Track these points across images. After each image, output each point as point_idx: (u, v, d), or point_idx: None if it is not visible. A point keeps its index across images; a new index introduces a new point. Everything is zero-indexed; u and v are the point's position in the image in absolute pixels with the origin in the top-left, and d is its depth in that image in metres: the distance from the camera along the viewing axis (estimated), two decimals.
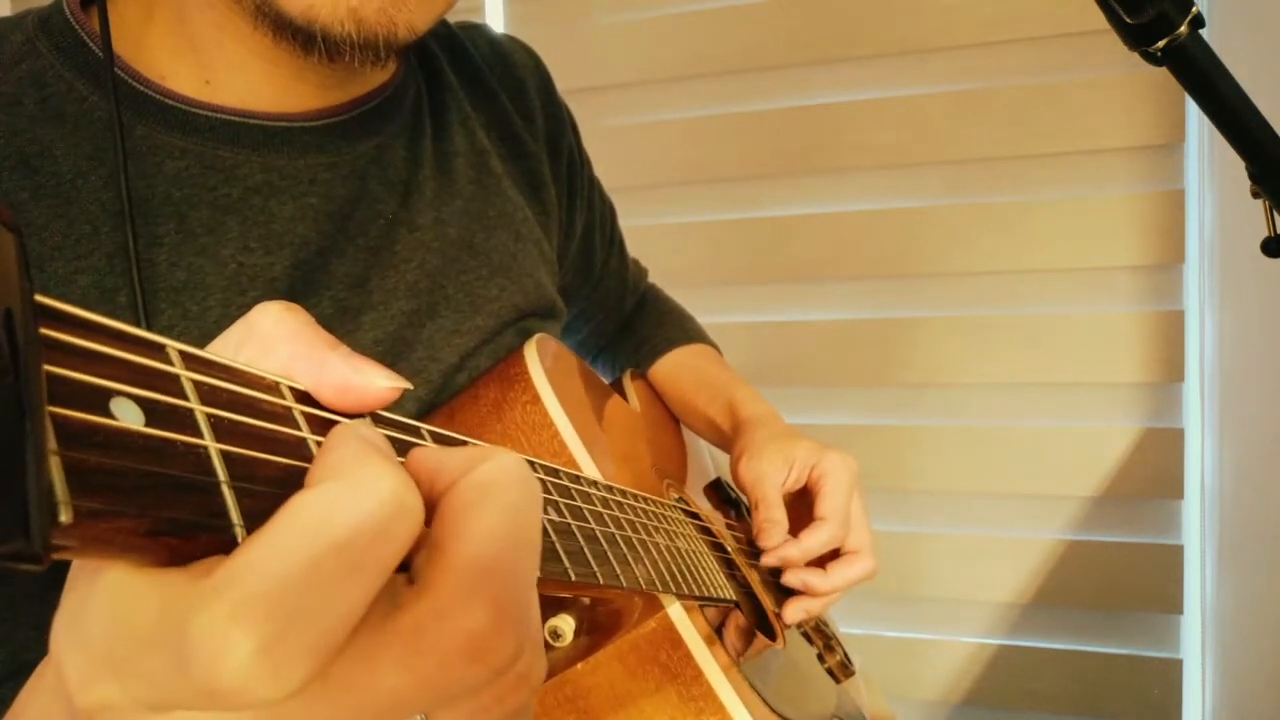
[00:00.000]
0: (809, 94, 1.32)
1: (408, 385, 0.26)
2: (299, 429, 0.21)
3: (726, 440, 0.81)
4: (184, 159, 0.53)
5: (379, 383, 0.25)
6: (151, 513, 0.15)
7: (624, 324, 0.96)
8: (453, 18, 0.67)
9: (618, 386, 0.85)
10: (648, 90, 1.38)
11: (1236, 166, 0.56)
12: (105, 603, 0.18)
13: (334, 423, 0.23)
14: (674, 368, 0.90)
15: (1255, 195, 0.58)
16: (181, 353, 0.18)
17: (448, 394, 0.62)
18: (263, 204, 0.55)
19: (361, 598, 0.19)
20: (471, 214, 0.66)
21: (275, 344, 0.25)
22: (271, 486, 0.19)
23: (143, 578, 0.18)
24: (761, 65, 1.33)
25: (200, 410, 0.18)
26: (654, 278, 1.01)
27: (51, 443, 0.14)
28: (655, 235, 1.39)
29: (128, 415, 0.16)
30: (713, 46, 1.34)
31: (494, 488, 0.22)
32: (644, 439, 0.76)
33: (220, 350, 0.23)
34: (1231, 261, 1.16)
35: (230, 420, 0.19)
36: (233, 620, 0.17)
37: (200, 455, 0.17)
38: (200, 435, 0.17)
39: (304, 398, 0.22)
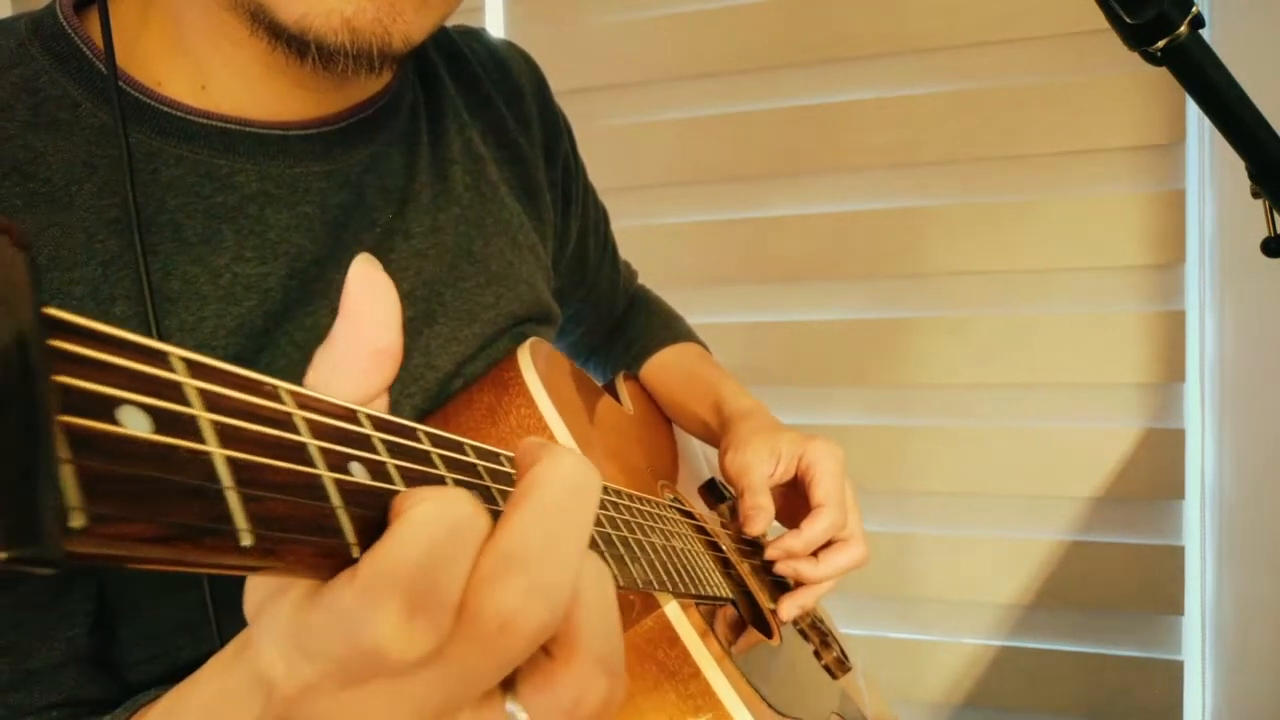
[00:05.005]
0: (809, 94, 1.33)
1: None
2: (299, 434, 0.21)
3: (715, 437, 0.81)
4: (179, 166, 0.53)
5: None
6: (159, 518, 0.16)
7: (615, 326, 0.96)
8: (453, 19, 0.67)
9: (610, 388, 0.86)
10: (647, 90, 1.39)
11: (1236, 166, 0.56)
12: (289, 613, 0.24)
13: (332, 426, 0.24)
14: (663, 367, 0.90)
15: (1255, 195, 0.58)
16: (185, 360, 0.19)
17: (443, 401, 0.62)
18: (258, 213, 0.55)
19: (462, 578, 0.24)
20: (469, 221, 0.66)
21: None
22: (274, 491, 0.19)
23: (310, 590, 0.24)
24: (761, 65, 1.34)
25: (204, 417, 0.18)
26: (652, 278, 1.01)
27: (63, 451, 0.14)
28: (654, 235, 1.39)
29: (135, 422, 0.16)
30: (712, 46, 1.35)
31: (535, 488, 0.26)
32: (637, 440, 0.77)
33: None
34: (1231, 261, 1.16)
35: (233, 426, 0.19)
36: (380, 597, 0.22)
37: (205, 461, 0.18)
38: (204, 441, 0.18)
39: (303, 403, 0.23)
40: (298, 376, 0.31)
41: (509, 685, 0.27)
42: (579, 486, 0.27)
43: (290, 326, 0.55)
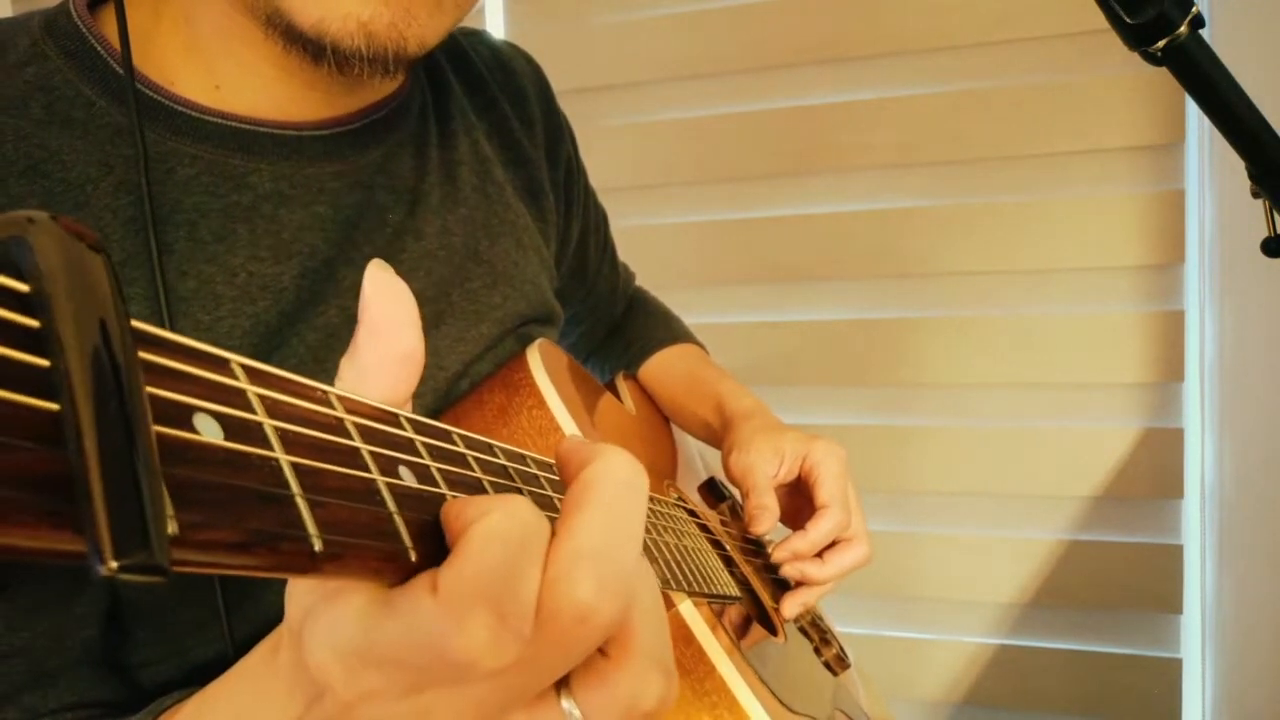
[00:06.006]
0: (809, 94, 1.33)
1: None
2: (351, 439, 0.21)
3: (716, 437, 0.82)
4: (194, 166, 0.52)
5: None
6: (240, 524, 0.16)
7: (614, 327, 0.97)
8: None
9: (611, 388, 0.86)
10: (647, 90, 1.39)
11: (1236, 166, 0.57)
12: (353, 622, 0.24)
13: (379, 430, 0.24)
14: (662, 368, 0.91)
15: (1255, 195, 0.59)
16: (244, 367, 0.19)
17: (451, 401, 0.62)
18: (273, 212, 0.55)
19: (537, 582, 0.24)
20: (476, 222, 0.66)
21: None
22: (334, 496, 0.19)
23: (379, 599, 0.24)
24: (761, 65, 1.34)
25: (268, 423, 0.18)
26: (652, 278, 1.02)
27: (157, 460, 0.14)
28: (655, 235, 1.39)
29: (209, 430, 0.16)
30: (712, 46, 1.35)
31: (593, 486, 0.26)
32: (641, 439, 0.77)
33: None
34: (1231, 261, 1.16)
35: (294, 432, 0.19)
36: (468, 608, 0.23)
37: (273, 467, 0.18)
38: (271, 448, 0.18)
39: (350, 407, 0.23)
40: (308, 376, 0.32)
41: (562, 684, 0.27)
42: (631, 483, 0.27)
43: (302, 326, 0.55)
